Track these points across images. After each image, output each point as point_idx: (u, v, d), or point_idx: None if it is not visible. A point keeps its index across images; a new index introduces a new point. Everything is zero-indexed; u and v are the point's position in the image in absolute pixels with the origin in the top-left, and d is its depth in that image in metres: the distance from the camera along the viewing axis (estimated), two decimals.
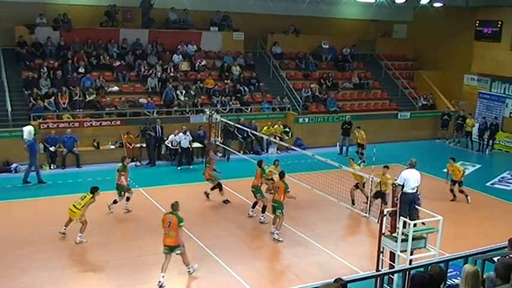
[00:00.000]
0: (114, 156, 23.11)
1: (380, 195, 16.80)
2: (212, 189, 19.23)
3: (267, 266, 14.81)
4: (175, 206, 13.12)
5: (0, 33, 25.19)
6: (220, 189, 19.06)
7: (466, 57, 31.75)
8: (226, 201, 19.07)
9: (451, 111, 31.45)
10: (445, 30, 32.60)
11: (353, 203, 17.95)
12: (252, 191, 17.69)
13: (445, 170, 20.93)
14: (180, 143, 23.58)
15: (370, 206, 15.58)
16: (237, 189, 19.72)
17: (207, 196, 19.35)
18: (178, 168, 23.29)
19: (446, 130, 30.87)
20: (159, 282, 12.75)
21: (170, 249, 13.00)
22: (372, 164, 15.24)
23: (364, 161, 23.86)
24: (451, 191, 20.24)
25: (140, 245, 15.28)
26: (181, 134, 23.56)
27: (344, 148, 26.85)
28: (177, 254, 13.08)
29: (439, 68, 34.13)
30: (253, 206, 17.88)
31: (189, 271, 13.48)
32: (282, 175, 16.28)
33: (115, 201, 17.57)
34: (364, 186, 18.43)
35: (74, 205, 15.26)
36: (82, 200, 15.31)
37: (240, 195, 19.32)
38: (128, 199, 17.81)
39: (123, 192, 17.60)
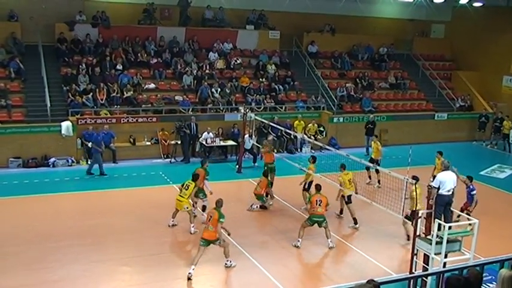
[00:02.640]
0: (149, 152, 23.46)
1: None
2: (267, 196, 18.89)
3: (298, 265, 14.79)
4: (219, 203, 13.65)
5: (41, 29, 25.77)
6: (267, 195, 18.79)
7: (505, 58, 31.22)
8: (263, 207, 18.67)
9: (488, 112, 30.90)
10: (484, 30, 32.04)
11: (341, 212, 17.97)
12: (256, 197, 18.14)
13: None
14: (244, 143, 23.16)
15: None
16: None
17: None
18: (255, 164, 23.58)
19: (483, 132, 30.36)
20: (189, 273, 13.04)
21: (207, 242, 13.35)
22: (407, 166, 15.07)
23: (379, 181, 20.92)
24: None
25: (172, 241, 15.43)
26: (247, 136, 23.00)
27: (370, 149, 26.28)
28: (218, 245, 13.51)
29: (477, 69, 33.56)
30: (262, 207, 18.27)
31: (226, 263, 13.76)
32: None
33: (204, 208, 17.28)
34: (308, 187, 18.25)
35: (180, 195, 15.82)
36: (186, 190, 15.79)
37: (274, 195, 19.31)
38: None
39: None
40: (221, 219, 13.24)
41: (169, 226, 16.12)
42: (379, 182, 20.77)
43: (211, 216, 13.40)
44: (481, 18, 31.49)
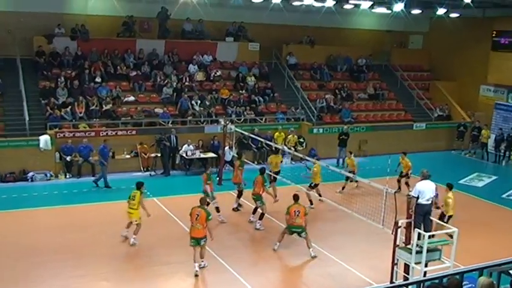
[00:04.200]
0: (129, 166, 23.35)
1: None
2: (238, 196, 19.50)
3: (280, 277, 14.76)
4: (203, 200, 14.17)
5: (19, 42, 25.56)
6: (239, 196, 19.37)
7: (482, 68, 31.62)
8: (236, 209, 19.36)
9: (467, 122, 31.24)
10: (461, 40, 32.51)
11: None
12: (253, 198, 17.93)
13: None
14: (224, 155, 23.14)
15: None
16: (251, 200, 19.65)
17: (238, 209, 19.45)
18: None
19: (462, 141, 30.68)
20: (196, 271, 13.71)
21: (197, 241, 13.78)
22: (386, 175, 15.17)
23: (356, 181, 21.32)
24: (398, 181, 21.30)
25: (152, 254, 15.31)
26: (227, 148, 22.91)
27: (341, 160, 26.38)
28: (200, 246, 13.88)
29: (455, 79, 34.01)
30: (254, 212, 18.13)
31: (200, 264, 13.99)
32: (295, 198, 15.80)
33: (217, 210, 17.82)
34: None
35: (130, 207, 15.66)
36: (133, 199, 15.62)
37: (254, 206, 19.28)
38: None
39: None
40: (209, 217, 13.78)
41: (121, 236, 15.97)
42: (343, 188, 21.60)
43: (197, 215, 13.73)
44: (458, 29, 31.91)
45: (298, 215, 15.18)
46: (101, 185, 21.44)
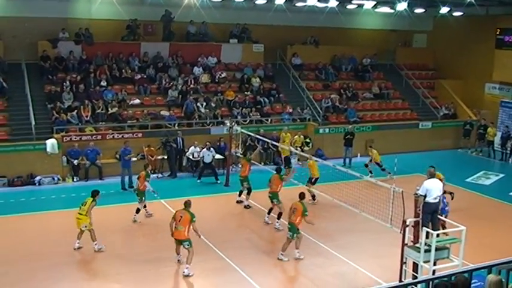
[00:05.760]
0: (136, 169, 23.24)
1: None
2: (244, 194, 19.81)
3: (289, 277, 14.78)
4: (188, 204, 14.15)
5: (24, 47, 25.70)
6: (249, 193, 19.56)
7: (487, 66, 31.54)
8: (247, 206, 19.61)
9: (473, 120, 31.14)
10: (466, 39, 32.45)
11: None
12: (269, 196, 17.85)
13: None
14: (203, 157, 23.54)
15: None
16: (258, 200, 19.73)
17: (246, 206, 19.73)
18: (198, 180, 23.24)
19: (468, 139, 30.58)
20: (178, 260, 14.26)
21: (178, 242, 14.04)
22: (393, 175, 15.16)
23: (389, 173, 22.56)
24: (366, 166, 23.58)
25: (162, 256, 15.34)
26: (205, 149, 23.52)
27: (347, 160, 26.46)
28: (185, 248, 13.89)
29: (460, 77, 33.91)
30: (269, 212, 18.07)
31: (184, 272, 13.96)
32: (301, 196, 15.72)
33: (138, 210, 17.76)
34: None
35: (79, 213, 15.37)
36: (84, 205, 15.39)
37: (261, 206, 19.32)
38: (145, 206, 18.25)
39: (143, 198, 17.78)
40: (193, 219, 13.79)
41: (74, 249, 15.47)
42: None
43: (181, 217, 13.84)
44: (462, 27, 31.87)
45: (294, 213, 15.10)
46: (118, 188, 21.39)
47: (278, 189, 17.79)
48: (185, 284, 13.73)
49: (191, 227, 13.83)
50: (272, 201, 17.82)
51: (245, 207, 19.66)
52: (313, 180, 20.02)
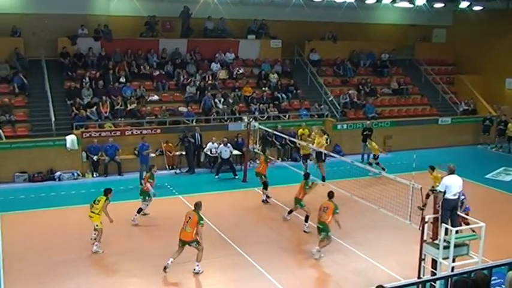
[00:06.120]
0: (154, 164, 23.45)
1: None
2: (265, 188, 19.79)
3: (307, 273, 14.73)
4: (198, 205, 14.04)
5: (44, 44, 26.01)
6: (266, 188, 19.57)
7: (507, 61, 31.22)
8: (265, 201, 19.64)
9: (492, 116, 30.84)
10: (486, 33, 32.09)
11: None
12: (294, 200, 17.63)
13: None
14: (220, 153, 23.63)
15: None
16: (276, 196, 19.76)
17: (267, 201, 19.77)
18: (216, 177, 23.26)
19: (488, 135, 30.31)
20: (167, 264, 13.73)
21: (184, 243, 13.77)
22: (412, 171, 15.05)
23: (383, 169, 21.70)
24: (370, 164, 22.73)
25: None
26: (222, 145, 23.61)
27: (365, 156, 26.09)
28: (194, 247, 13.79)
29: (479, 72, 33.57)
30: (290, 212, 17.97)
31: (194, 269, 13.89)
32: (331, 195, 15.61)
33: (139, 210, 17.68)
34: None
35: (91, 211, 15.32)
36: (97, 204, 15.32)
37: (279, 202, 19.35)
38: (139, 211, 17.86)
39: (147, 198, 17.67)
40: (201, 221, 13.64)
41: (91, 240, 15.47)
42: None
43: (190, 218, 13.74)
44: (481, 22, 31.54)
45: (325, 211, 15.08)
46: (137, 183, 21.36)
47: (301, 196, 17.43)
48: (206, 279, 13.76)
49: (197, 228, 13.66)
50: (295, 205, 17.58)
51: (263, 201, 19.67)
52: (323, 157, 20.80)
